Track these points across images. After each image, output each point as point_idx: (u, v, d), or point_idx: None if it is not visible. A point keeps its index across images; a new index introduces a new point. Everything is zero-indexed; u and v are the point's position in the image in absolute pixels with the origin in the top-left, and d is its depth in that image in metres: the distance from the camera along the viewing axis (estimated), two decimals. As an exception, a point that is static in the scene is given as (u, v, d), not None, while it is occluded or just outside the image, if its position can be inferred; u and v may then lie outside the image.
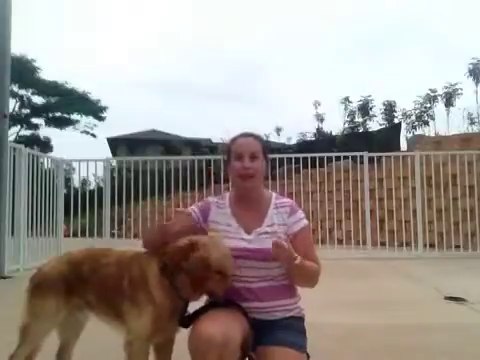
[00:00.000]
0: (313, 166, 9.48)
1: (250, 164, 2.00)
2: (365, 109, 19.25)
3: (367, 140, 15.78)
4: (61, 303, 1.93)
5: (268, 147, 2.13)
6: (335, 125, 28.49)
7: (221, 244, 1.86)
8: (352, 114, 19.67)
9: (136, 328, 1.78)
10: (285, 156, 9.63)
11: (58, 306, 1.92)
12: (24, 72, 25.36)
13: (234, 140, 2.09)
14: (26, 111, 29.94)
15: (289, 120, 51.00)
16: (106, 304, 1.91)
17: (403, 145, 16.42)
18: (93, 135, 31.00)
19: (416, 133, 16.74)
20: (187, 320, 1.82)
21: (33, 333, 1.96)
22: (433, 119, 17.15)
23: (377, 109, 19.09)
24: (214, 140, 24.99)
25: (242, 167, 2.00)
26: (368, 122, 19.45)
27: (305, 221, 2.07)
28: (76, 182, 12.75)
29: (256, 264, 1.93)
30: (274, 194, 2.14)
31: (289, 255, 1.81)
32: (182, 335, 1.90)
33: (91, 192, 10.05)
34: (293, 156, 9.78)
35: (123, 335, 1.82)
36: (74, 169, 17.46)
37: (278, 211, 2.05)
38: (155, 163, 10.08)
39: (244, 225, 2.01)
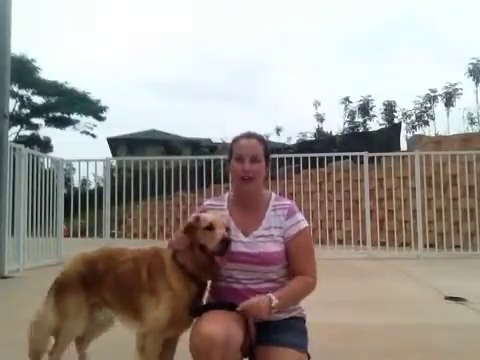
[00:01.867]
0: (313, 166, 9.48)
1: (250, 167, 1.97)
2: (365, 109, 19.26)
3: (367, 140, 15.78)
4: (82, 301, 1.99)
5: (269, 148, 2.08)
6: (335, 125, 28.52)
7: (212, 212, 1.97)
8: (352, 114, 19.68)
9: (153, 317, 1.79)
10: (285, 156, 9.63)
11: (80, 304, 1.99)
12: (24, 72, 25.40)
13: (236, 140, 2.05)
14: (26, 111, 29.99)
15: (289, 120, 51.11)
16: (123, 301, 1.95)
17: (403, 145, 16.45)
18: (93, 135, 31.10)
19: (416, 133, 16.75)
20: (197, 311, 1.83)
21: (67, 331, 2.03)
22: (433, 119, 17.18)
23: (377, 109, 19.13)
24: (214, 140, 25.01)
25: (242, 170, 1.97)
26: (368, 122, 19.47)
27: (303, 224, 2.01)
28: (76, 182, 12.77)
29: (254, 267, 1.92)
30: (274, 195, 2.10)
31: (261, 310, 1.78)
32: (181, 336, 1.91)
33: (91, 192, 10.05)
34: (293, 156, 9.77)
35: (137, 330, 1.84)
36: (74, 169, 17.50)
37: (276, 213, 2.01)
38: (155, 163, 10.09)
39: (242, 227, 1.99)
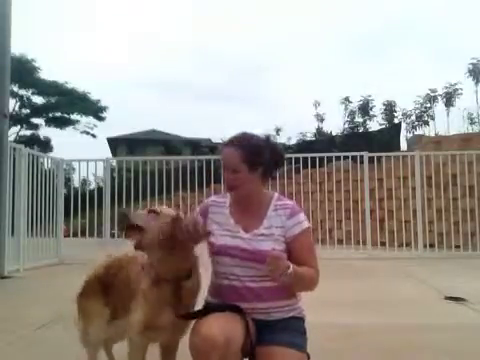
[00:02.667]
0: (313, 166, 9.47)
1: (232, 176, 1.95)
2: (365, 109, 19.29)
3: (367, 140, 15.81)
4: (101, 303, 2.05)
5: (257, 151, 1.95)
6: (335, 125, 28.54)
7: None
8: (352, 114, 19.71)
9: (131, 322, 1.85)
10: (285, 156, 9.60)
11: (100, 305, 2.05)
12: (24, 72, 25.36)
13: (223, 146, 2.01)
14: (26, 111, 29.92)
15: (289, 120, 51.02)
16: (122, 306, 1.97)
17: (403, 145, 16.47)
18: (93, 135, 31.02)
19: (416, 133, 16.78)
20: (194, 315, 1.84)
21: (91, 334, 2.07)
22: (433, 119, 17.23)
23: (377, 109, 19.17)
24: (214, 140, 25.02)
25: (225, 179, 1.99)
26: (368, 122, 19.51)
27: (305, 224, 2.00)
28: (76, 182, 12.76)
29: (254, 264, 1.91)
30: (276, 195, 2.09)
31: (283, 265, 1.77)
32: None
33: (91, 192, 10.05)
34: (293, 156, 9.76)
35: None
36: (74, 169, 17.49)
37: (277, 213, 2.00)
38: (155, 163, 10.08)
39: (243, 225, 1.99)
